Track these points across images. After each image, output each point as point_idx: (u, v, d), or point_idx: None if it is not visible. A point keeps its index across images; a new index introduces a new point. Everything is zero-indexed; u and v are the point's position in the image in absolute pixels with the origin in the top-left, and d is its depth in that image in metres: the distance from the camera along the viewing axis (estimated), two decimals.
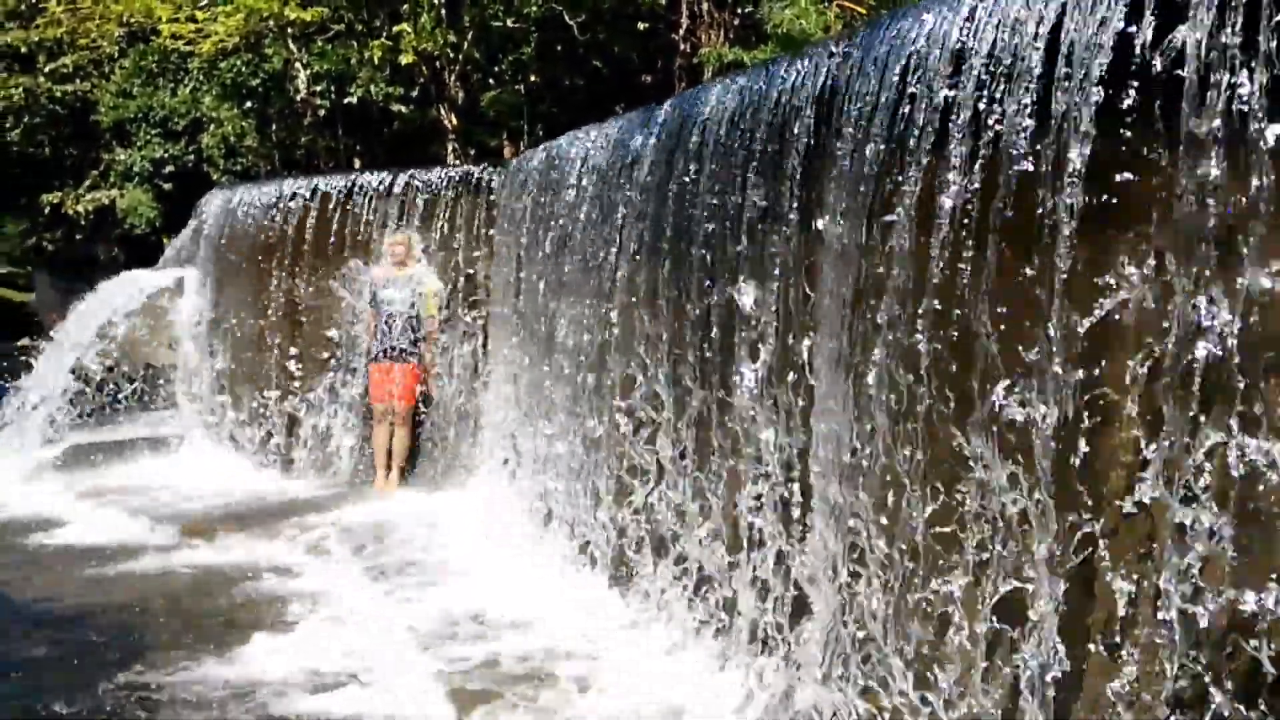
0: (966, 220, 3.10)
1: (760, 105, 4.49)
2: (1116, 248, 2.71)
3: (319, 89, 15.32)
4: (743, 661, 4.42)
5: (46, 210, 21.77)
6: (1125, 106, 2.64)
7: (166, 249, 12.85)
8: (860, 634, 3.52)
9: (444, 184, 8.92)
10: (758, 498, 4.38)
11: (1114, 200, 2.70)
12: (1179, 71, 2.50)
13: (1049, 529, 2.79)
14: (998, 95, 3.01)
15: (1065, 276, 2.78)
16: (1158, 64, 2.56)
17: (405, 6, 13.79)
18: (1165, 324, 2.57)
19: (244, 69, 15.95)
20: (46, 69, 21.12)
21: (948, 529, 3.15)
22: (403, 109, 15.22)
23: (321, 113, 15.58)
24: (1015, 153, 2.93)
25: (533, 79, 14.31)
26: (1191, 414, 2.48)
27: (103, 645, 5.25)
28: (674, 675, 4.61)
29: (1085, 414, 2.74)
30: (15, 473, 9.19)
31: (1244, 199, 2.36)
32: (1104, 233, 2.73)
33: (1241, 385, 2.37)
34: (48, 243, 24.33)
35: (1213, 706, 2.39)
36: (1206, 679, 2.41)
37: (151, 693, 4.62)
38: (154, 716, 4.39)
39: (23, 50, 21.34)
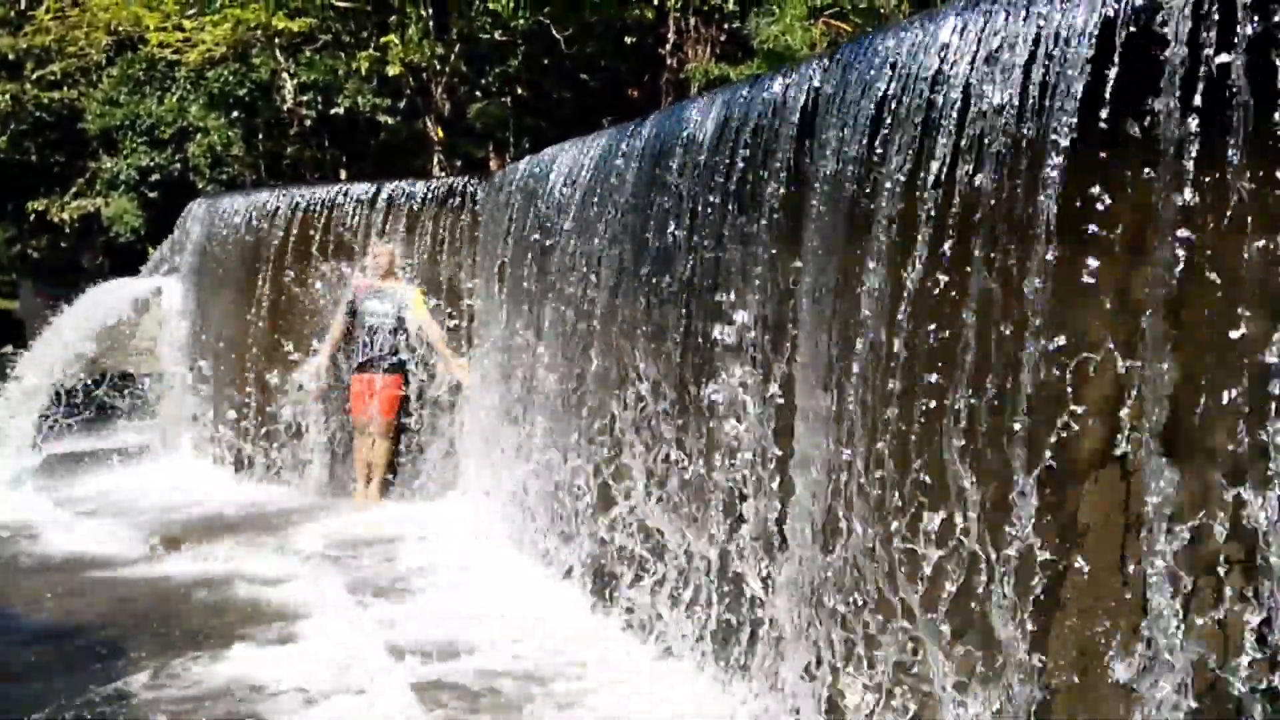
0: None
1: (743, 121, 4.51)
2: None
3: (306, 99, 15.34)
4: (728, 672, 4.43)
5: (32, 217, 21.71)
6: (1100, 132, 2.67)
7: (151, 257, 12.83)
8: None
9: (428, 196, 8.92)
10: (738, 516, 4.39)
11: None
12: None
13: None
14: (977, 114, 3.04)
15: (1045, 294, 2.79)
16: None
17: (393, 18, 13.84)
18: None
19: (231, 78, 15.97)
20: (34, 76, 21.08)
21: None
22: (389, 120, 15.25)
23: (308, 123, 15.60)
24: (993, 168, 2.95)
25: (519, 91, 14.37)
26: None
27: (82, 654, 5.23)
28: (661, 688, 4.61)
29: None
30: None
31: None
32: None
33: None
34: (33, 250, 24.25)
35: None
36: None
37: (129, 701, 4.60)
38: None
39: (10, 57, 21.31)
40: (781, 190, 4.11)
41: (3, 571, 6.84)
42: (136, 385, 11.06)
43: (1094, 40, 2.69)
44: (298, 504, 8.65)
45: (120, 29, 18.76)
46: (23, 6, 21.73)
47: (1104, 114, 2.63)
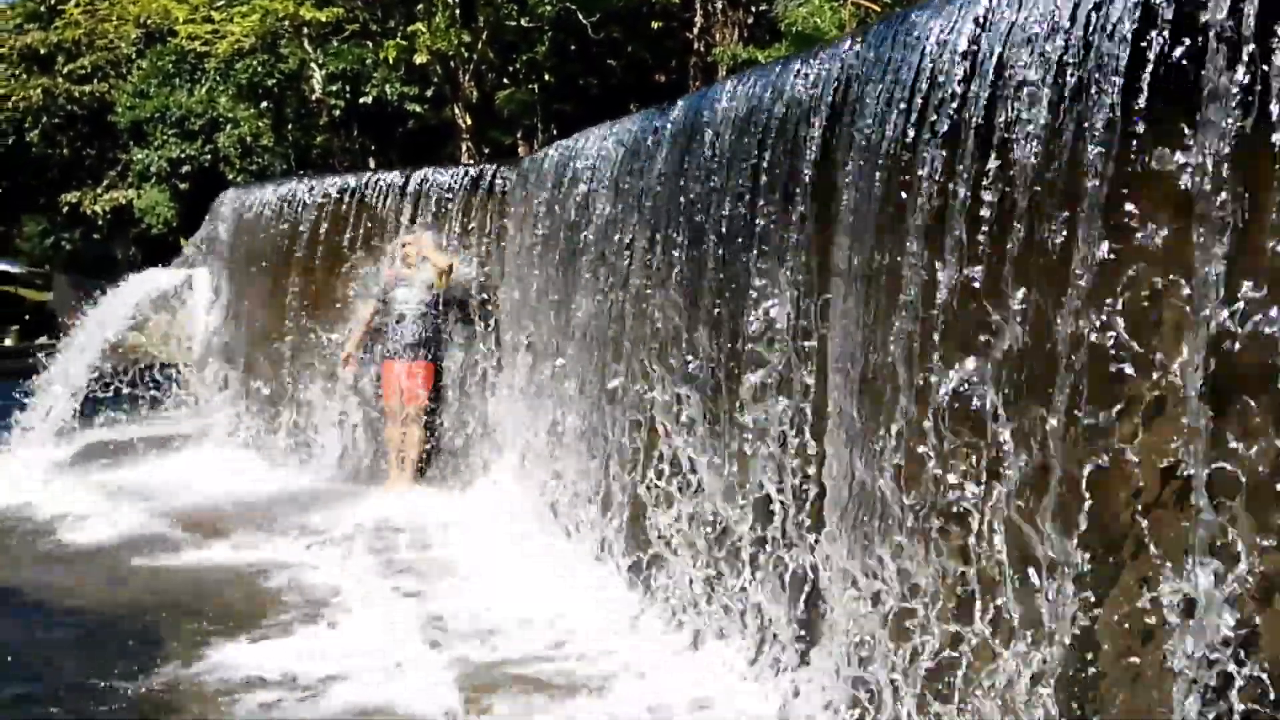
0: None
1: (774, 102, 4.47)
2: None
3: (334, 89, 15.40)
4: (762, 659, 4.41)
5: (65, 210, 21.96)
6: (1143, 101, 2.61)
7: (183, 248, 12.92)
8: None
9: (457, 183, 8.91)
10: (771, 500, 4.36)
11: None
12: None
13: None
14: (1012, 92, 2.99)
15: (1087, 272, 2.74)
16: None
17: (420, 6, 13.85)
18: None
19: (260, 69, 16.04)
20: (65, 70, 21.30)
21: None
22: (417, 108, 15.29)
23: (336, 112, 15.66)
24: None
25: (547, 78, 14.34)
26: None
27: (119, 640, 5.27)
28: (688, 672, 4.60)
29: None
30: (32, 471, 9.23)
31: None
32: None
33: None
34: (66, 242, 24.54)
35: None
36: None
37: (171, 687, 4.64)
38: (174, 711, 4.42)
39: (42, 51, 21.55)
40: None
41: (41, 559, 6.91)
42: (173, 375, 11.14)
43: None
44: (332, 491, 8.68)
45: (149, 22, 18.93)
46: (53, 1, 21.94)
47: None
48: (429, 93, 15.16)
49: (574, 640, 5.06)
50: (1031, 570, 2.86)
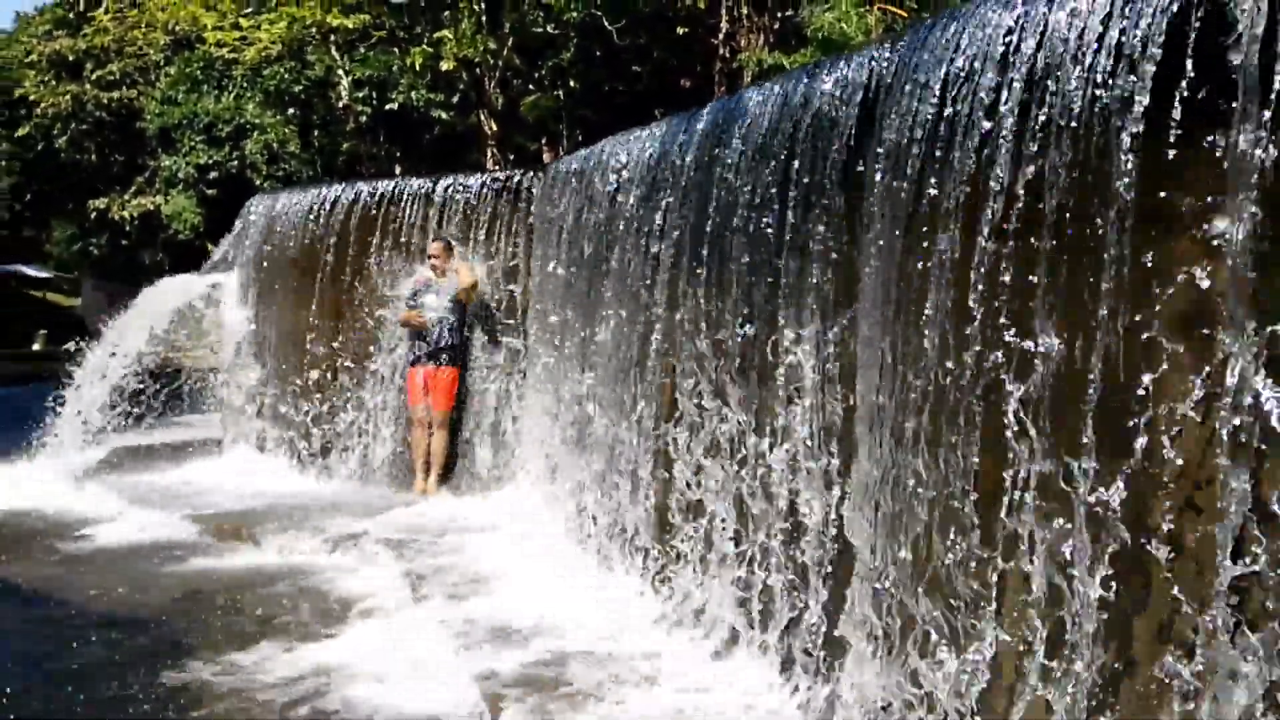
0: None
1: (802, 109, 4.46)
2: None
3: (360, 95, 15.48)
4: (786, 665, 4.40)
5: (93, 216, 22.14)
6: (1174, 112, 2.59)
7: (211, 254, 13.01)
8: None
9: (483, 189, 8.94)
10: (797, 503, 4.35)
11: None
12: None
13: None
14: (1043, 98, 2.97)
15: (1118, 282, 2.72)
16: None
17: (446, 13, 13.90)
18: None
19: (287, 76, 16.16)
20: (93, 76, 21.49)
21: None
22: (443, 115, 15.35)
23: (363, 119, 15.73)
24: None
25: (572, 84, 14.37)
26: None
27: (148, 642, 5.32)
28: (712, 678, 4.58)
29: None
30: (61, 474, 9.31)
31: None
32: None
33: None
34: (94, 248, 24.73)
35: None
36: None
37: (195, 690, 4.67)
38: (198, 709, 4.45)
39: (71, 58, 21.75)
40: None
41: (71, 563, 6.97)
42: (201, 380, 11.22)
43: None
44: (357, 496, 8.72)
45: (178, 29, 19.08)
46: (82, 8, 22.15)
47: None
48: (455, 99, 15.23)
49: (596, 645, 5.05)
50: None
